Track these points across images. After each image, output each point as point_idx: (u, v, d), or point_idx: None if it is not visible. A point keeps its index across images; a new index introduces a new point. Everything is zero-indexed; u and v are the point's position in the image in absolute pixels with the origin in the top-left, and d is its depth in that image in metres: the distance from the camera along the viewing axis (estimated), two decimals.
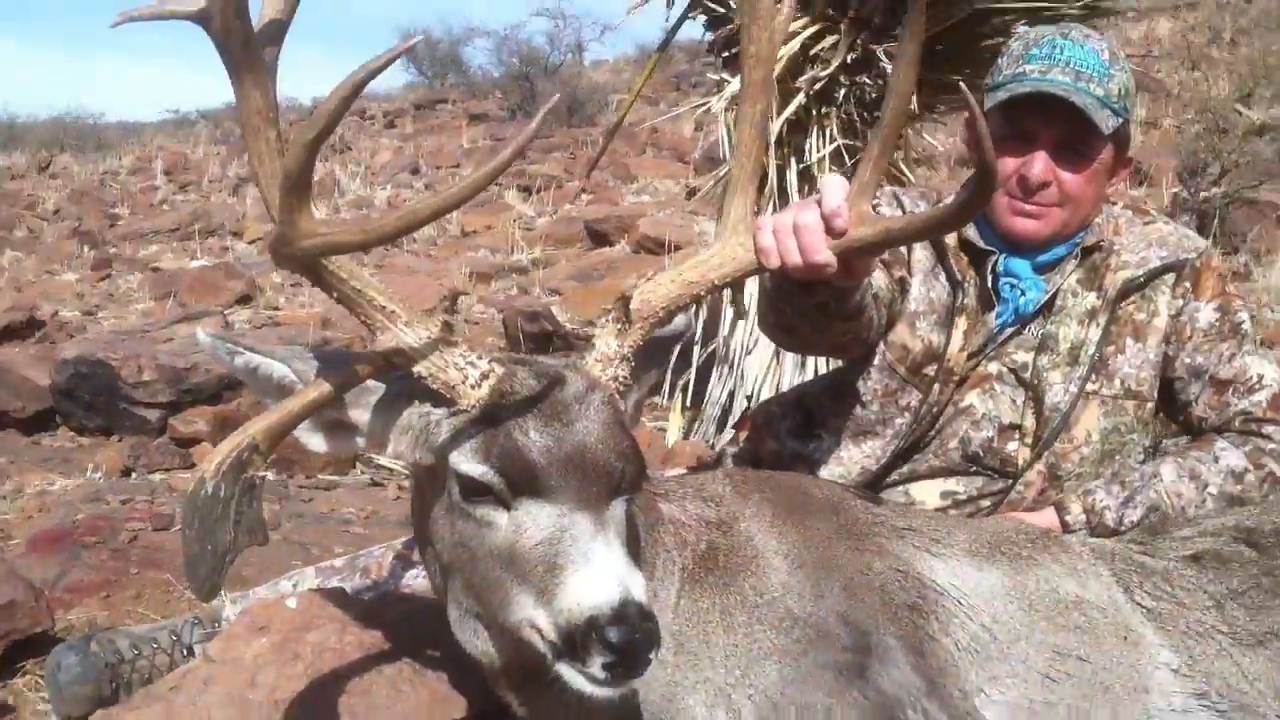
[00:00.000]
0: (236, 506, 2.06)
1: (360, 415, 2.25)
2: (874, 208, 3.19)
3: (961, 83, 2.36)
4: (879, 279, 3.09)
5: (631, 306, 2.26)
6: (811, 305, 2.67)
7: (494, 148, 19.73)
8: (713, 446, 5.30)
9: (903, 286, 3.22)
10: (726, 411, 5.61)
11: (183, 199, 17.80)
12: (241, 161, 20.37)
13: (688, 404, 6.10)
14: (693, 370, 5.95)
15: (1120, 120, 3.04)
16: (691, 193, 6.96)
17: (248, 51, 1.97)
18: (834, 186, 2.31)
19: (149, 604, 3.86)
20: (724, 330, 5.67)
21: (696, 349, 5.89)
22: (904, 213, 3.21)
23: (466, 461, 2.09)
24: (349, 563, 3.27)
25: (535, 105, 22.80)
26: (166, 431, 6.21)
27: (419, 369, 2.13)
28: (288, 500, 5.08)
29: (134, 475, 5.64)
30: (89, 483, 5.34)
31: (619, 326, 2.25)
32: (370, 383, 2.22)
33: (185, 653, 3.10)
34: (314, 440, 2.28)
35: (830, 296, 2.63)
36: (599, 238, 11.76)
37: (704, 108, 5.71)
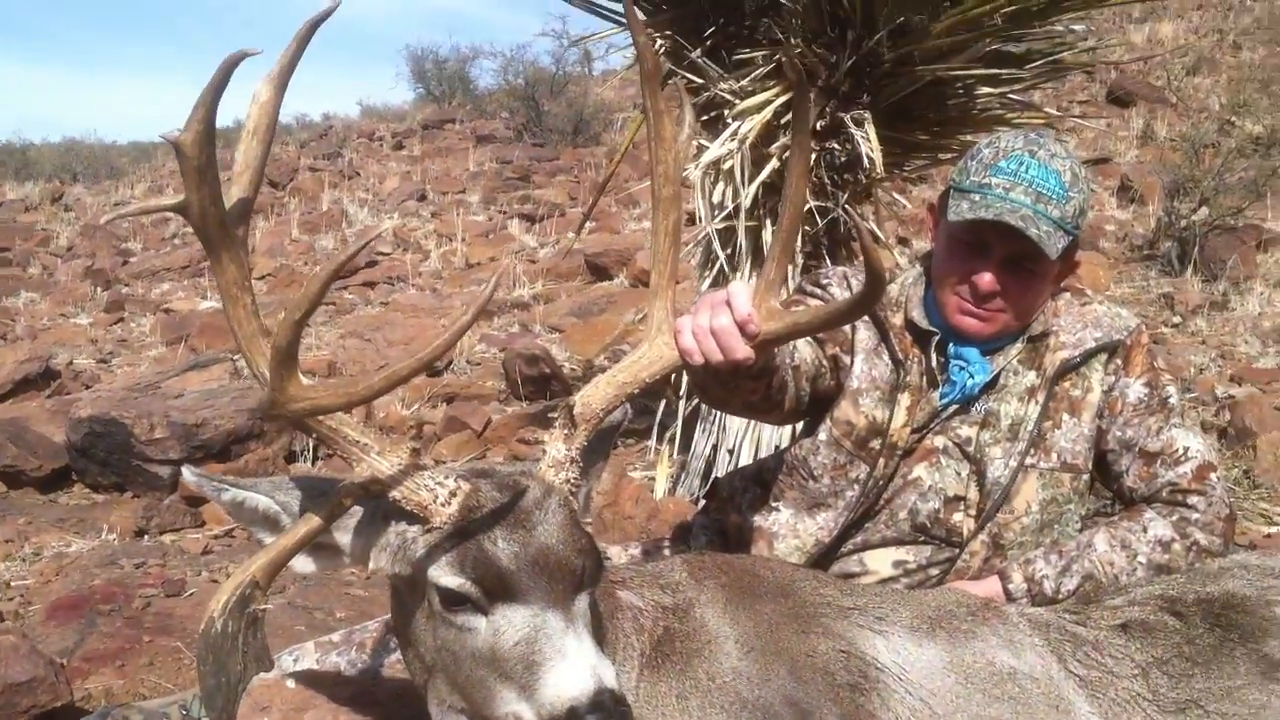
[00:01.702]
0: (244, 639, 2.29)
1: (343, 538, 2.44)
2: (824, 287, 3.44)
3: (850, 209, 2.57)
4: (805, 353, 3.31)
5: (575, 412, 2.48)
6: (722, 372, 2.90)
7: (499, 170, 19.96)
8: (696, 501, 5.49)
9: (835, 364, 3.42)
10: (710, 464, 5.78)
11: (193, 232, 17.93)
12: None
13: (675, 454, 6.29)
14: (679, 422, 6.16)
15: (1070, 238, 3.21)
16: (690, 220, 7.12)
17: (223, 231, 2.21)
18: (741, 293, 2.54)
19: (161, 672, 4.05)
20: None
21: (682, 403, 6.09)
22: (853, 291, 3.43)
23: (444, 575, 2.27)
24: (346, 637, 3.42)
25: (541, 124, 22.97)
26: (178, 489, 6.45)
27: (393, 494, 2.32)
28: None
29: (146, 537, 5.85)
30: (104, 545, 5.55)
31: (565, 432, 2.46)
32: (351, 508, 2.43)
33: None
34: (302, 563, 2.48)
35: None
36: (599, 271, 11.97)
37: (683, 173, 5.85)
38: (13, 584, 5.12)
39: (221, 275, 2.24)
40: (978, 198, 3.20)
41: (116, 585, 4.71)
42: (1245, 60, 18.28)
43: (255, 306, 2.28)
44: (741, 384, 2.99)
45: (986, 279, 3.21)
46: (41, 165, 27.24)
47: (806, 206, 5.37)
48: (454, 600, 2.28)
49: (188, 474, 2.45)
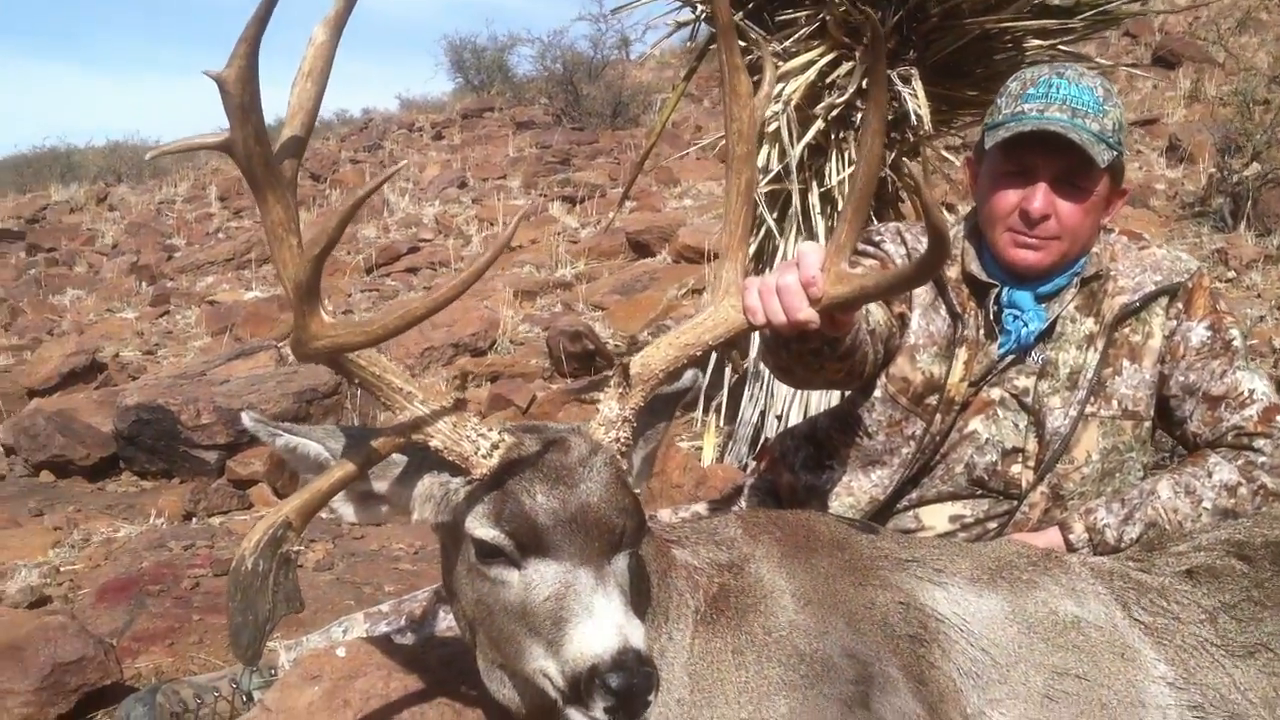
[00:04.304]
0: (274, 579, 2.27)
1: (385, 487, 2.44)
2: (878, 244, 3.36)
3: (908, 161, 2.49)
4: (877, 314, 3.22)
5: (632, 371, 2.42)
6: (806, 351, 2.84)
7: (539, 156, 19.92)
8: (744, 467, 5.43)
9: (902, 321, 3.34)
10: (758, 431, 5.73)
11: (237, 225, 18.04)
12: None
13: (721, 423, 6.24)
14: (725, 390, 6.11)
15: (1115, 153, 3.14)
16: None
17: (268, 171, 2.16)
18: (810, 253, 2.48)
19: (211, 649, 4.04)
20: (754, 351, 5.79)
21: (728, 369, 6.03)
22: (907, 248, 3.37)
23: (480, 526, 2.26)
24: (395, 607, 3.42)
25: (580, 109, 22.92)
26: (225, 473, 6.46)
27: (435, 443, 2.30)
28: (340, 539, 5.28)
29: (194, 520, 5.86)
30: (152, 529, 5.56)
31: (620, 391, 2.42)
32: (395, 457, 2.39)
33: (245, 700, 3.27)
34: (346, 511, 2.47)
35: (823, 343, 2.80)
36: (641, 248, 11.90)
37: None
38: (62, 569, 5.12)
39: (267, 215, 2.20)
40: (1014, 123, 3.15)
41: (165, 567, 4.70)
42: None
43: (302, 248, 2.23)
44: (827, 365, 2.94)
45: (1038, 198, 3.15)
46: (86, 168, 27.47)
47: (853, 167, 5.29)
48: (489, 552, 2.27)
49: (247, 418, 2.44)
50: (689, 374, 2.64)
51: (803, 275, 2.45)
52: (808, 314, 2.46)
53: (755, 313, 2.51)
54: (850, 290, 2.47)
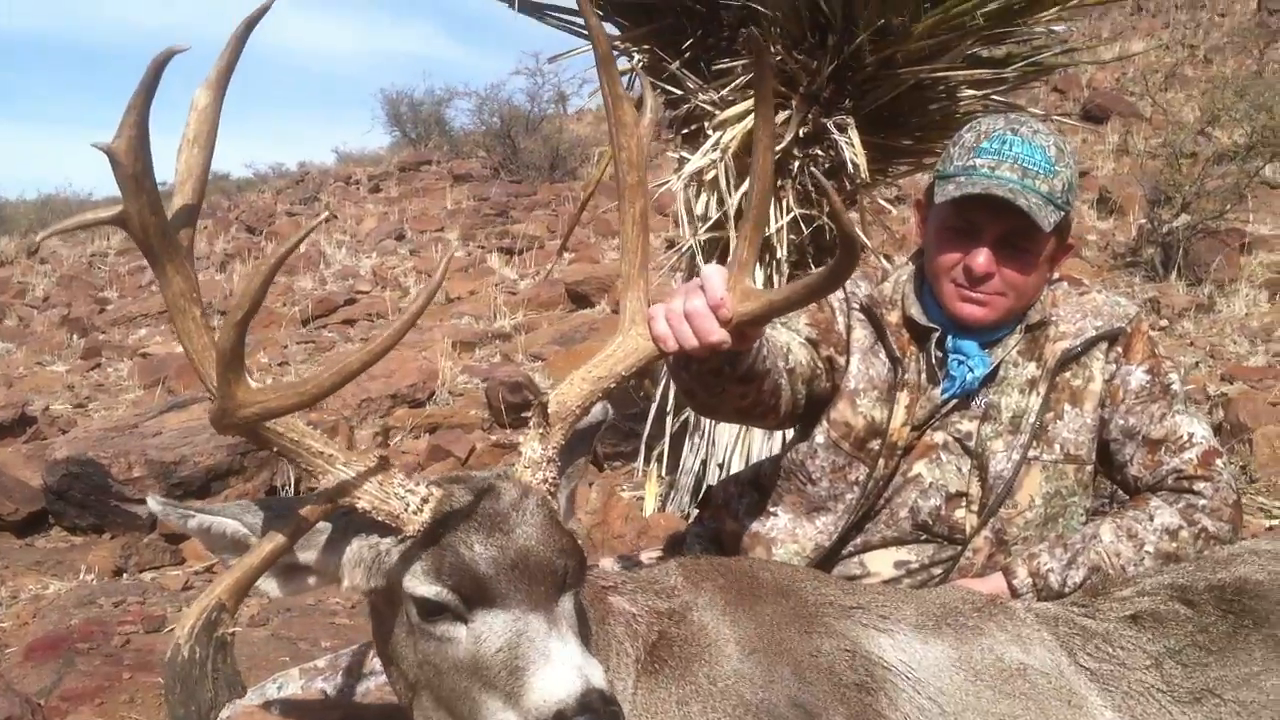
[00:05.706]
0: (213, 665, 2.19)
1: (311, 556, 2.36)
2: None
3: (818, 173, 2.48)
4: (801, 355, 3.23)
5: (549, 410, 2.40)
6: (705, 371, 2.82)
7: (477, 208, 19.89)
8: (687, 517, 5.40)
9: (830, 365, 3.34)
10: (700, 480, 5.70)
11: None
12: (228, 236, 20.55)
13: (664, 473, 6.22)
14: (667, 439, 6.08)
15: (1062, 214, 3.16)
16: (670, 245, 7.21)
17: (165, 242, 2.10)
18: (714, 276, 2.46)
19: (142, 709, 3.94)
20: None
21: (669, 418, 6.01)
22: (844, 294, 3.37)
23: (420, 584, 2.20)
24: (331, 663, 3.34)
25: (518, 161, 22.93)
26: (156, 528, 6.32)
27: (362, 505, 2.23)
28: None
29: (125, 575, 5.74)
30: (82, 585, 5.44)
31: (540, 431, 2.39)
32: (320, 524, 2.33)
33: None
34: (270, 586, 2.38)
35: (723, 361, 2.78)
36: (580, 299, 11.91)
37: (665, 184, 5.87)
38: None
39: (167, 287, 2.14)
40: (964, 179, 3.15)
41: (95, 624, 4.60)
42: (1216, 73, 18.34)
43: (205, 318, 2.19)
44: (728, 388, 2.92)
45: (981, 259, 3.15)
46: (17, 221, 27.09)
47: (792, 214, 5.34)
48: (432, 610, 2.20)
49: (153, 503, 2.34)
50: (598, 408, 2.62)
51: (710, 299, 2.43)
52: (720, 335, 2.45)
53: (666, 340, 2.49)
54: (759, 306, 2.47)
